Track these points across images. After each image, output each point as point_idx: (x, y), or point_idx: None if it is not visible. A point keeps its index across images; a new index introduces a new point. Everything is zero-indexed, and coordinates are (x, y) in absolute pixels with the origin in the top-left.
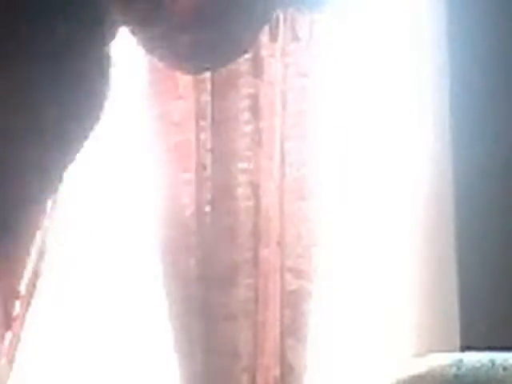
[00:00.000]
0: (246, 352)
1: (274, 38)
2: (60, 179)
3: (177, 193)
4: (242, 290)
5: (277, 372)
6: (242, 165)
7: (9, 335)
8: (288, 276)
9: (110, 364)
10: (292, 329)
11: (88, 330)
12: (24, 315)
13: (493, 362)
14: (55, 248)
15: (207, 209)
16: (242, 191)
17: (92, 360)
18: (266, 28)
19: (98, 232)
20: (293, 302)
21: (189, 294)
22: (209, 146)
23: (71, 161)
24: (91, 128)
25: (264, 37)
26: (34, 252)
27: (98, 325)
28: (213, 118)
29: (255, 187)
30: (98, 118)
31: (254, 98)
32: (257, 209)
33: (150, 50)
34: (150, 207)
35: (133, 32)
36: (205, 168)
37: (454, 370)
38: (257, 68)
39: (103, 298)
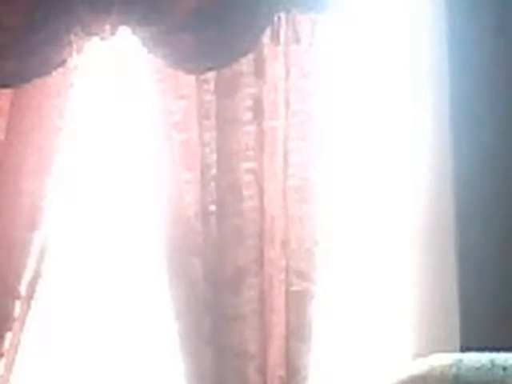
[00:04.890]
0: (252, 353)
1: (276, 38)
2: None
3: (181, 192)
4: (247, 291)
5: (282, 373)
6: (246, 165)
7: (9, 336)
8: (292, 277)
9: (117, 365)
10: (296, 330)
11: (91, 332)
12: (24, 316)
13: (493, 363)
14: (57, 248)
15: (212, 208)
16: (246, 191)
17: (96, 361)
18: (269, 29)
19: (102, 232)
20: (297, 304)
21: (194, 294)
22: (213, 145)
23: None
24: None
25: (266, 37)
26: (34, 252)
27: (103, 326)
28: (216, 118)
29: (259, 187)
30: None
31: (257, 98)
32: (261, 209)
33: (153, 50)
34: (155, 207)
35: (134, 32)
36: (209, 168)
37: (454, 370)
38: (259, 68)
39: (107, 299)
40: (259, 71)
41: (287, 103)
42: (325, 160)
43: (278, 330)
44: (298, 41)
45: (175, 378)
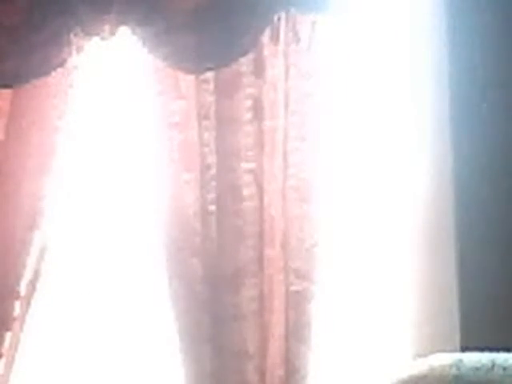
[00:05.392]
0: (252, 353)
1: (275, 38)
2: None
3: (181, 192)
4: (247, 291)
5: (282, 372)
6: (246, 165)
7: (8, 336)
8: (292, 277)
9: (117, 365)
10: (296, 330)
11: (91, 332)
12: (24, 316)
13: (493, 363)
14: (57, 248)
15: (212, 208)
16: (246, 191)
17: (96, 361)
18: (268, 29)
19: (102, 232)
20: (297, 304)
21: (194, 294)
22: (212, 145)
23: None
24: None
25: (266, 37)
26: (34, 252)
27: (102, 326)
28: (216, 118)
29: (259, 187)
30: None
31: (257, 98)
32: (261, 209)
33: (153, 50)
34: (155, 207)
35: (134, 32)
36: (209, 168)
37: (453, 370)
38: (259, 68)
39: (106, 299)
40: (259, 71)
41: (287, 103)
42: (324, 160)
43: (278, 330)
44: (297, 41)
45: (175, 378)
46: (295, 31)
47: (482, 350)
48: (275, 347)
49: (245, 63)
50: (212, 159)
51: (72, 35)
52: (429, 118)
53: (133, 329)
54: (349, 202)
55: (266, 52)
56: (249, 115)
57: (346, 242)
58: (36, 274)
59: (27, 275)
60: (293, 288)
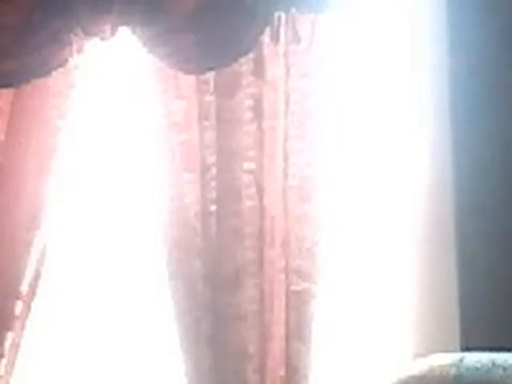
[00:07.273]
0: (252, 353)
1: (275, 38)
2: None
3: (181, 193)
4: (247, 291)
5: (282, 372)
6: (246, 165)
7: (9, 336)
8: (292, 277)
9: (117, 365)
10: (296, 330)
11: (91, 331)
12: (25, 316)
13: (493, 363)
14: (57, 248)
15: (212, 208)
16: (246, 191)
17: (97, 361)
18: (268, 28)
19: (102, 232)
20: (297, 304)
21: (194, 294)
22: (213, 145)
23: None
24: None
25: (266, 37)
26: (35, 252)
27: (103, 326)
28: (216, 118)
29: (259, 187)
30: None
31: (257, 98)
32: (261, 209)
33: (153, 50)
34: (155, 207)
35: (134, 32)
36: (209, 168)
37: (453, 370)
38: (259, 68)
39: (107, 299)
40: (259, 71)
41: (287, 103)
42: (325, 160)
43: (278, 330)
44: (297, 41)
45: (175, 378)
46: (295, 31)
47: (482, 349)
48: (275, 347)
49: (245, 63)
50: (212, 159)
51: (72, 35)
52: (429, 117)
53: (133, 328)
54: (349, 202)
55: (266, 52)
56: (249, 115)
57: (347, 242)
58: (37, 274)
59: (28, 275)
60: (293, 288)
